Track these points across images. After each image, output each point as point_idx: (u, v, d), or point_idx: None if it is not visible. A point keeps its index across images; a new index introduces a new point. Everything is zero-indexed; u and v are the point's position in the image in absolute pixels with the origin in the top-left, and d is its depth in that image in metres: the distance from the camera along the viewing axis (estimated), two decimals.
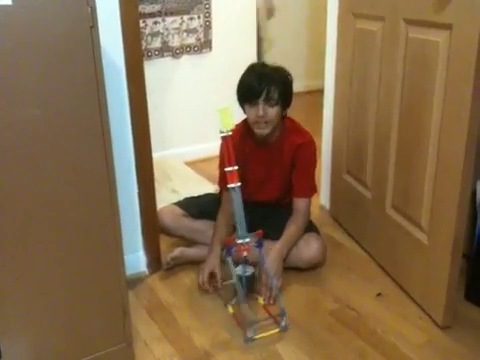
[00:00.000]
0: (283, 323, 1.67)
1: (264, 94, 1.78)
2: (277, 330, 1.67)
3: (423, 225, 1.71)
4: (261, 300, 1.80)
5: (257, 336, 1.65)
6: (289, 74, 1.87)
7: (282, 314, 1.67)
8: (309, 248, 1.94)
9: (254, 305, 1.80)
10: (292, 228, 1.94)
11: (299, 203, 1.97)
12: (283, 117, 1.92)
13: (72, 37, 1.19)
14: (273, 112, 1.81)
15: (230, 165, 1.62)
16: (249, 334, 1.63)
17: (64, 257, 1.34)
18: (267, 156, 1.95)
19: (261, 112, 1.79)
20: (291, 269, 1.96)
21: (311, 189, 2.00)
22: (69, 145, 1.27)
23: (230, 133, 1.60)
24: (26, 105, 1.19)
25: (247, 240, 1.66)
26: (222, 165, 1.99)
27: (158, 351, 1.62)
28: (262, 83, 1.78)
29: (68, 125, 1.25)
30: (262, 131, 1.85)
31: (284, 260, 1.90)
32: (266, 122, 1.82)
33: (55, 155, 1.26)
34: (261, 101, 1.79)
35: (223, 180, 1.91)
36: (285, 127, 1.95)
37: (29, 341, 1.37)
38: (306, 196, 1.98)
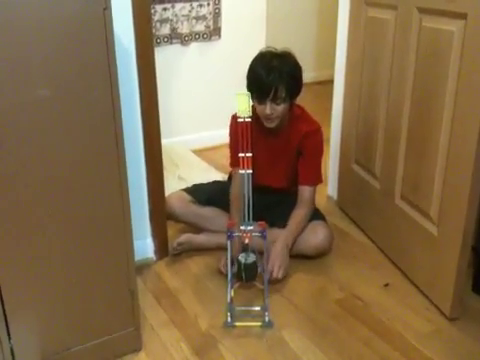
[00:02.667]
0: (267, 318, 1.66)
1: (271, 94, 1.78)
2: (259, 324, 1.66)
3: (432, 216, 1.71)
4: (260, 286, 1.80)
5: (239, 324, 1.66)
6: (297, 63, 1.85)
7: (264, 309, 1.67)
8: (316, 235, 1.94)
9: (254, 293, 1.80)
10: (297, 217, 1.94)
11: (304, 191, 1.97)
12: (291, 105, 1.90)
13: (85, 18, 1.19)
14: (280, 109, 1.81)
15: (244, 151, 1.62)
16: (228, 319, 1.65)
17: (73, 240, 1.34)
18: (274, 143, 1.95)
19: (268, 111, 1.81)
20: (297, 257, 1.96)
21: (317, 177, 2.00)
22: (79, 128, 1.26)
23: (248, 120, 1.60)
24: (37, 86, 1.18)
25: (250, 228, 1.66)
26: (233, 145, 2.02)
27: (165, 336, 1.63)
28: (270, 81, 1.76)
29: (79, 107, 1.25)
30: (270, 124, 1.86)
31: (290, 249, 1.90)
32: (274, 117, 1.83)
33: (65, 137, 1.25)
34: (268, 101, 1.79)
35: (235, 160, 1.95)
36: (293, 115, 1.94)
37: (38, 325, 1.38)
38: (311, 184, 1.98)
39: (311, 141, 1.94)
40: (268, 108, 1.80)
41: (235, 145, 1.94)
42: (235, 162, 1.99)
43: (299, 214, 1.95)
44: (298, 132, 1.93)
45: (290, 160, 1.98)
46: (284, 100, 1.80)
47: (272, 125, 1.85)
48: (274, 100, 1.79)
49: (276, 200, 2.01)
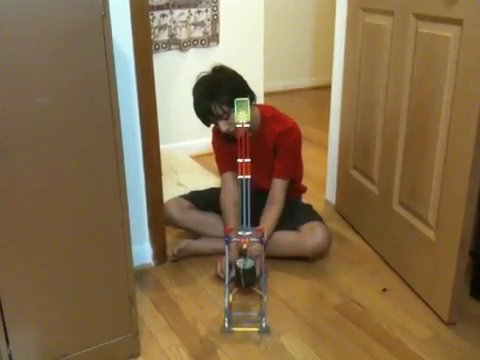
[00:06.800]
0: (264, 324, 1.66)
1: (211, 115, 1.82)
2: (256, 329, 1.66)
3: (430, 221, 1.71)
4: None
5: (236, 329, 1.66)
6: (227, 73, 1.88)
7: (261, 314, 1.67)
8: (314, 235, 1.95)
9: (252, 298, 1.80)
10: (269, 220, 1.93)
11: (275, 184, 1.98)
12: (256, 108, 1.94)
13: (84, 26, 1.19)
14: (233, 119, 1.77)
15: (242, 157, 1.63)
16: (225, 325, 1.66)
17: (72, 246, 1.34)
18: (251, 147, 1.96)
19: (224, 129, 1.84)
20: (296, 261, 1.98)
21: (288, 172, 2.00)
22: (79, 135, 1.27)
23: (246, 126, 1.60)
24: (36, 93, 1.19)
25: (248, 233, 1.66)
26: (217, 156, 2.09)
27: (164, 342, 1.63)
28: (203, 106, 1.83)
29: (78, 114, 1.25)
30: (238, 135, 1.85)
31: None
32: (235, 128, 1.82)
33: (64, 144, 1.26)
34: (217, 121, 1.84)
35: (223, 162, 2.03)
36: (264, 117, 1.98)
37: (36, 331, 1.38)
38: (281, 177, 1.98)
39: (285, 139, 1.96)
40: (222, 127, 1.84)
41: (219, 155, 2.07)
42: (223, 169, 2.07)
43: (270, 215, 1.94)
44: (272, 133, 1.95)
45: (270, 161, 1.99)
46: (228, 113, 1.81)
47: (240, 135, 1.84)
48: (220, 118, 1.82)
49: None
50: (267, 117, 1.98)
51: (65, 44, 1.19)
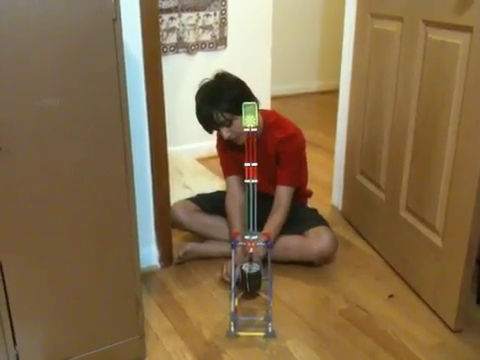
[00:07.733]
0: (270, 329, 1.65)
1: (213, 123, 1.84)
2: (262, 334, 1.65)
3: (437, 227, 1.71)
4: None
5: (242, 333, 1.66)
6: (228, 80, 1.88)
7: (267, 319, 1.67)
8: (320, 240, 1.94)
9: (258, 302, 1.80)
10: (272, 223, 1.93)
11: (279, 191, 1.98)
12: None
13: (95, 29, 1.20)
14: (236, 125, 1.81)
15: (248, 161, 1.63)
16: (231, 329, 1.65)
17: (79, 248, 1.35)
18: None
19: (225, 136, 1.86)
20: (301, 266, 1.97)
21: (292, 178, 2.00)
22: (87, 136, 1.27)
23: (254, 130, 1.60)
24: (45, 95, 1.19)
25: (254, 237, 1.66)
26: (222, 160, 2.11)
27: (169, 345, 1.63)
28: (204, 114, 1.84)
29: (87, 116, 1.26)
30: (240, 141, 1.87)
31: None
32: (237, 136, 1.85)
33: (72, 145, 1.26)
34: (217, 128, 1.85)
35: (227, 166, 2.04)
36: (267, 123, 1.97)
37: (43, 332, 1.38)
38: (286, 184, 1.98)
39: (287, 147, 1.95)
40: (224, 134, 1.86)
41: (223, 158, 2.08)
42: (227, 173, 2.08)
43: (275, 220, 1.94)
44: (273, 140, 1.95)
45: (271, 167, 1.98)
46: (230, 120, 1.82)
47: (242, 141, 1.81)
48: (221, 125, 1.83)
49: (269, 207, 2.01)
50: (269, 123, 1.98)
51: (76, 46, 1.19)
